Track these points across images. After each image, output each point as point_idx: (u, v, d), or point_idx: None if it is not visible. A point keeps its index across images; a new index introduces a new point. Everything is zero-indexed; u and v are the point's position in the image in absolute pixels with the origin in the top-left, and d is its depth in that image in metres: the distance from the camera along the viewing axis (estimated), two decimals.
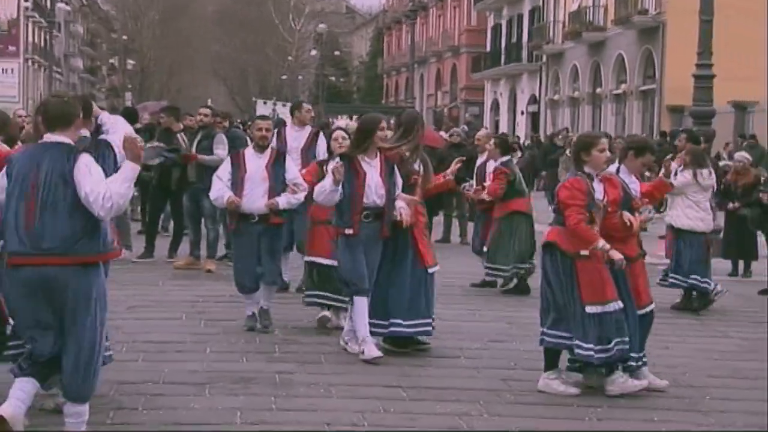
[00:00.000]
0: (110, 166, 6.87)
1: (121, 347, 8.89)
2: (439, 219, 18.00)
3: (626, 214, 8.35)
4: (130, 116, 16.74)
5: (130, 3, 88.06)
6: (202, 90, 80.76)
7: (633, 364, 8.28)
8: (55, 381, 6.76)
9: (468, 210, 17.56)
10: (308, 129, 12.94)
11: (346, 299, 9.95)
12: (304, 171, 10.56)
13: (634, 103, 42.16)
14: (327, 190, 9.01)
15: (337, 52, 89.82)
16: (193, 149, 14.08)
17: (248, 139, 14.32)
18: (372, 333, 9.14)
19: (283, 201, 10.04)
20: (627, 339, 8.10)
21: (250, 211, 10.02)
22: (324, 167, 10.15)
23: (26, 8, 70.70)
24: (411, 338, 9.42)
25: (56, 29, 77.86)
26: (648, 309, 8.45)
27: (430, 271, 9.45)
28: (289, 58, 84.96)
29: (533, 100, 54.37)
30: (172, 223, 15.75)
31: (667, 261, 12.55)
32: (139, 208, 17.95)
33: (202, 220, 14.34)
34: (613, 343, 8.05)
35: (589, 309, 8.05)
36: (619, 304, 8.10)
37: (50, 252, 6.34)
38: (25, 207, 6.38)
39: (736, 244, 15.29)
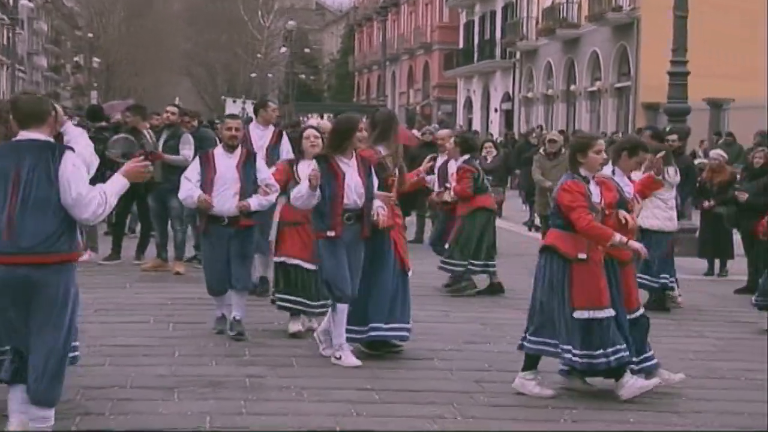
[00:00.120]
0: None
1: (87, 351, 8.84)
2: (411, 219, 18.02)
3: (621, 212, 8.36)
4: (96, 115, 16.74)
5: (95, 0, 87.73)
6: (170, 88, 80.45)
7: (634, 367, 8.29)
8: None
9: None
10: (272, 128, 12.91)
11: (317, 305, 9.97)
12: (272, 170, 10.52)
13: (609, 100, 42.34)
14: (304, 195, 8.93)
15: (307, 50, 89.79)
16: (159, 149, 14.03)
17: (217, 138, 14.31)
18: (349, 339, 9.14)
19: (255, 202, 9.97)
20: (624, 346, 8.10)
21: (221, 213, 9.94)
22: (293, 166, 10.14)
23: None
24: (386, 341, 9.42)
25: (19, 26, 77.40)
26: (637, 314, 8.47)
27: (409, 274, 9.49)
28: (258, 55, 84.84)
29: (507, 97, 54.51)
30: (139, 224, 15.68)
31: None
32: None
33: (169, 221, 14.29)
34: (609, 351, 8.02)
35: (577, 314, 8.03)
36: (612, 312, 8.09)
37: (31, 251, 6.34)
38: (5, 205, 6.37)
39: (712, 242, 15.37)
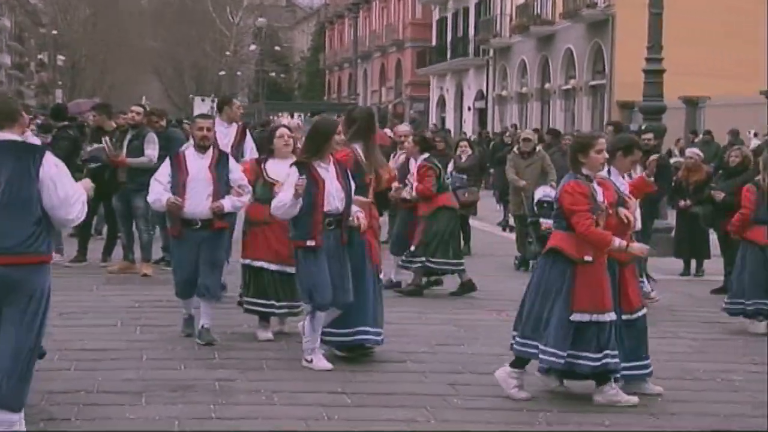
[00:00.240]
0: None
1: (52, 355, 8.81)
2: (383, 219, 18.02)
3: (622, 210, 8.38)
4: (60, 114, 16.66)
5: None
6: (137, 87, 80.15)
7: (625, 372, 8.30)
8: None
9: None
10: (235, 125, 12.85)
11: (284, 306, 9.97)
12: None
13: (584, 98, 42.48)
14: (287, 204, 8.82)
15: (277, 47, 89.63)
16: (124, 149, 13.96)
17: (186, 138, 14.26)
18: (335, 344, 9.15)
19: (228, 204, 9.87)
20: (615, 353, 8.11)
21: (193, 215, 9.81)
22: (261, 165, 10.10)
23: None
24: (361, 344, 9.41)
25: None
26: (640, 313, 8.51)
27: (381, 277, 9.52)
28: (227, 53, 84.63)
29: (480, 95, 54.59)
30: (105, 226, 15.62)
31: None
32: None
33: (134, 222, 14.23)
34: (599, 355, 8.03)
35: (575, 317, 8.00)
36: (613, 316, 8.11)
37: (11, 251, 6.37)
38: None
39: (688, 242, 15.45)
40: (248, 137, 12.63)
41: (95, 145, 14.25)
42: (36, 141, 7.20)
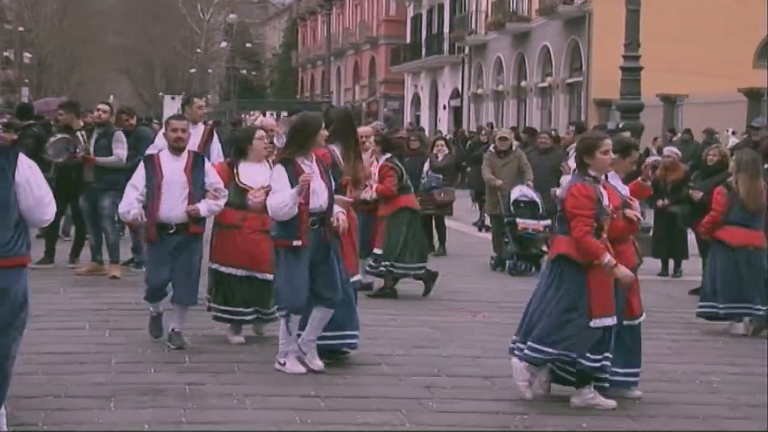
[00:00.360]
0: None
1: (19, 359, 8.74)
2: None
3: (628, 211, 8.39)
4: (26, 113, 16.61)
5: None
6: (105, 85, 79.85)
7: (614, 378, 8.32)
8: None
9: None
10: (201, 126, 12.77)
11: (250, 312, 9.93)
12: None
13: (561, 96, 42.59)
14: (289, 204, 8.67)
15: (248, 44, 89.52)
16: (91, 148, 13.90)
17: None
18: (331, 348, 9.13)
19: (204, 208, 9.71)
20: (610, 357, 8.14)
21: (168, 219, 9.69)
22: (234, 169, 10.02)
23: None
24: (335, 349, 9.40)
25: None
26: (641, 319, 8.54)
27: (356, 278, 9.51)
28: (198, 50, 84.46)
29: (456, 94, 54.67)
30: (73, 227, 15.57)
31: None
32: None
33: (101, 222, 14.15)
34: (595, 357, 8.05)
35: (594, 323, 8.00)
36: (615, 320, 8.13)
37: None
38: None
39: (666, 242, 15.52)
40: (215, 138, 12.51)
41: (58, 136, 14.12)
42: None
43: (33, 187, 6.43)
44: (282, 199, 8.71)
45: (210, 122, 19.91)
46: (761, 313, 11.29)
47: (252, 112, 45.41)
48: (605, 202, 8.10)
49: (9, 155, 6.46)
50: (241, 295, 9.96)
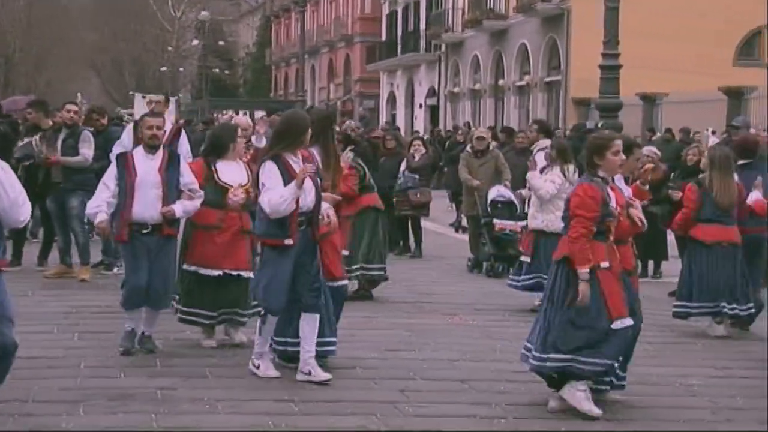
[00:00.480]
0: None
1: None
2: None
3: (633, 212, 8.42)
4: None
5: None
6: (74, 83, 79.51)
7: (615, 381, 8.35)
8: None
9: None
10: (169, 124, 12.72)
11: (223, 314, 9.90)
12: None
13: (539, 95, 42.69)
14: (289, 198, 8.56)
15: (221, 42, 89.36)
16: (58, 148, 13.84)
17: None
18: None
19: (180, 209, 9.61)
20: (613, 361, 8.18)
21: (143, 219, 9.58)
22: (212, 166, 9.96)
23: None
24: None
25: None
26: (640, 325, 8.55)
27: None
28: (169, 48, 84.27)
29: (432, 92, 54.73)
30: (41, 228, 15.50)
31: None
32: None
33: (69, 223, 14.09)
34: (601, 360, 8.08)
35: (615, 324, 8.01)
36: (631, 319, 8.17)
37: None
38: None
39: (645, 243, 15.53)
40: (182, 137, 12.40)
41: (26, 140, 14.11)
42: None
43: (7, 189, 6.41)
44: (281, 194, 8.56)
45: (181, 121, 19.86)
46: (727, 311, 11.38)
47: (225, 112, 45.32)
48: (613, 204, 8.12)
49: None
50: (214, 297, 9.91)
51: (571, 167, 12.78)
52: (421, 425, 7.79)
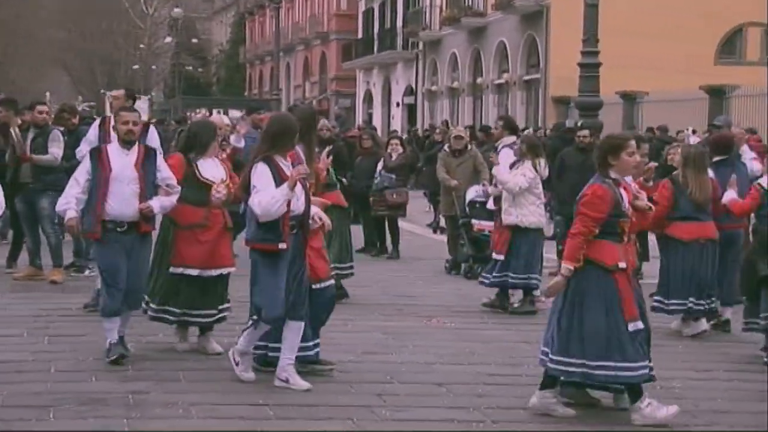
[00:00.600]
0: None
1: None
2: None
3: (639, 203, 8.41)
4: None
5: None
6: (43, 82, 79.28)
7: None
8: None
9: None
10: None
11: (199, 315, 9.86)
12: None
13: (518, 93, 42.77)
14: (281, 200, 8.50)
15: (194, 40, 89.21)
16: (27, 147, 13.78)
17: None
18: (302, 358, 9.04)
19: (157, 205, 9.51)
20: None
21: (119, 217, 9.43)
22: (192, 163, 9.90)
23: None
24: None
25: None
26: None
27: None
28: (141, 45, 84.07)
29: (409, 91, 54.76)
30: (10, 229, 15.45)
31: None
32: None
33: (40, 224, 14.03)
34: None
35: (631, 326, 8.04)
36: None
37: None
38: None
39: None
40: (151, 134, 12.25)
41: None
42: None
43: None
44: (272, 196, 8.50)
45: (152, 120, 19.76)
46: (699, 308, 11.48)
47: (198, 110, 45.25)
48: (625, 205, 8.15)
49: None
50: (191, 296, 9.85)
51: (542, 161, 12.91)
52: (399, 429, 7.79)
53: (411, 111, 54.28)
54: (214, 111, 40.34)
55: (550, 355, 8.14)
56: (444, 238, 17.86)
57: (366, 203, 17.94)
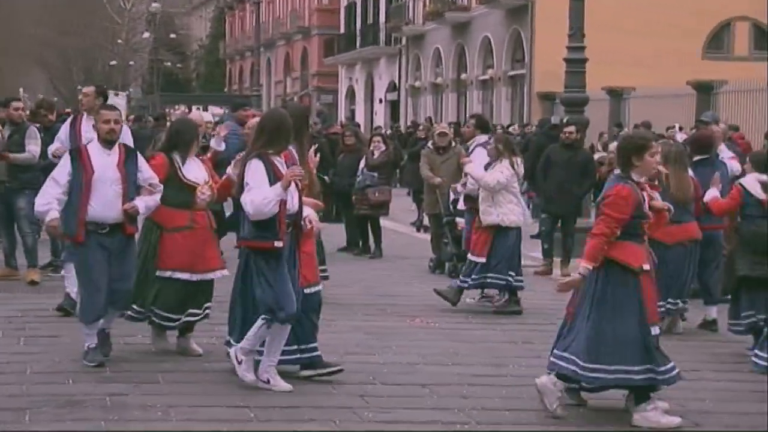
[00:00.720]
0: None
1: None
2: None
3: (655, 202, 8.48)
4: None
5: None
6: (18, 77, 79.01)
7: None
8: None
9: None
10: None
11: (180, 319, 9.83)
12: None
13: (502, 89, 42.79)
14: (273, 200, 8.49)
15: (173, 35, 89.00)
16: (2, 144, 13.73)
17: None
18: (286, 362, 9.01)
19: (142, 205, 9.44)
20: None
21: (102, 219, 9.35)
22: (175, 163, 9.86)
23: None
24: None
25: None
26: None
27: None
28: (119, 41, 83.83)
29: (392, 87, 54.76)
30: None
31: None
32: None
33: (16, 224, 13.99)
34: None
35: (654, 330, 8.09)
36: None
37: None
38: None
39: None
40: (124, 133, 12.19)
41: None
42: None
43: None
44: (265, 195, 8.49)
45: (130, 117, 19.72)
46: (672, 307, 11.55)
47: (177, 107, 45.21)
48: (646, 207, 8.20)
49: None
50: (185, 300, 9.79)
51: (519, 159, 12.95)
52: (382, 431, 7.80)
53: (394, 107, 54.29)
54: (194, 107, 40.27)
55: (583, 364, 8.05)
56: (428, 236, 17.88)
57: (348, 202, 17.94)
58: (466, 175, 13.34)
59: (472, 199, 13.36)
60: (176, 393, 8.60)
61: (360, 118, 55.58)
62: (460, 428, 7.93)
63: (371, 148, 18.30)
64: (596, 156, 20.34)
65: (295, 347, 9.02)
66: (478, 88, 45.19)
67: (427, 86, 50.07)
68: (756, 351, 10.14)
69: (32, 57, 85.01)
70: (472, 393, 8.84)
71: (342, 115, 57.02)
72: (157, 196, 9.58)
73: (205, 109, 36.86)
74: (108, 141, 9.53)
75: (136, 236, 9.83)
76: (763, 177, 10.77)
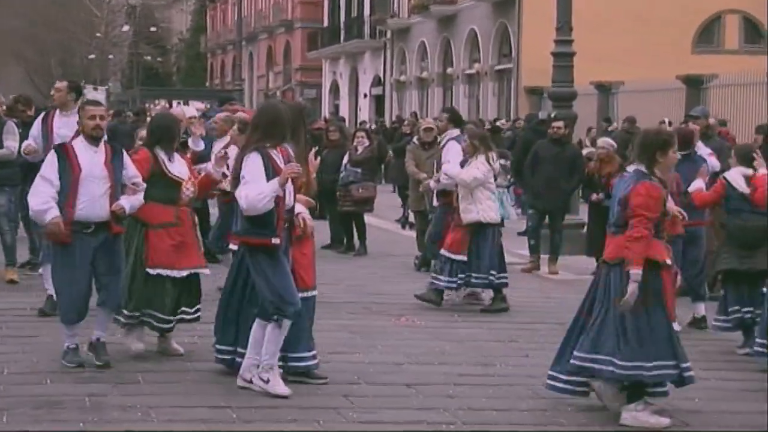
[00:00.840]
0: None
1: None
2: None
3: (671, 206, 8.57)
4: None
5: None
6: None
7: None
8: None
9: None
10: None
11: (173, 320, 9.80)
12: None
13: (489, 84, 42.83)
14: (269, 195, 8.44)
15: (153, 28, 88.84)
16: None
17: None
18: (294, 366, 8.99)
19: (128, 205, 9.38)
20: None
21: (88, 218, 9.26)
22: (159, 159, 9.83)
23: None
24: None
25: None
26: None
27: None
28: (98, 34, 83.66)
29: (377, 81, 54.76)
30: None
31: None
32: None
33: None
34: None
35: (676, 326, 8.14)
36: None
37: None
38: None
39: (601, 239, 15.61)
40: None
41: None
42: None
43: None
44: (260, 191, 8.43)
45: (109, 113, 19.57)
46: None
47: (157, 102, 45.13)
48: (670, 203, 8.28)
49: None
50: (174, 297, 9.76)
51: (494, 155, 12.97)
52: (366, 431, 7.81)
53: (379, 102, 54.29)
54: (174, 102, 40.22)
55: (620, 362, 8.04)
56: (413, 233, 17.89)
57: (332, 198, 17.93)
58: (439, 170, 13.39)
59: (445, 194, 13.38)
60: (157, 393, 8.60)
61: (344, 113, 55.55)
62: (446, 428, 7.94)
63: (354, 143, 18.28)
64: (584, 151, 20.32)
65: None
66: (465, 82, 45.22)
67: (412, 80, 50.08)
68: (756, 339, 10.14)
69: (8, 50, 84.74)
70: (458, 392, 8.86)
71: (326, 110, 57.00)
72: (141, 195, 9.54)
73: (186, 104, 36.83)
74: (94, 137, 9.41)
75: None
76: (748, 170, 10.84)
